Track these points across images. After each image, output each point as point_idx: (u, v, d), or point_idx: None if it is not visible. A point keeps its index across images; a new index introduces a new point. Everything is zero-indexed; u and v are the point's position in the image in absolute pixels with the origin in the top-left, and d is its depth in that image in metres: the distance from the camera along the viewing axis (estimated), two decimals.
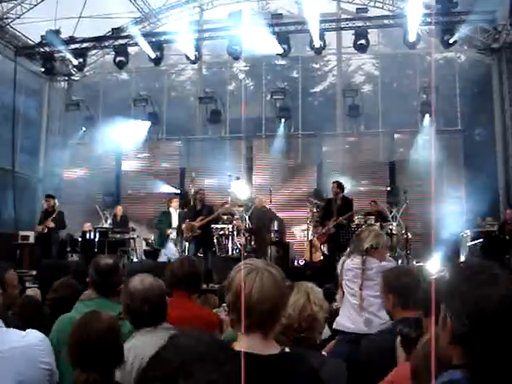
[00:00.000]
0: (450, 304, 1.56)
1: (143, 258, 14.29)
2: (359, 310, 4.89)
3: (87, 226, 14.67)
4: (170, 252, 12.14)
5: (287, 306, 2.36)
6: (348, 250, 5.43)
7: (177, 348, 1.25)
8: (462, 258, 12.92)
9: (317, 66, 19.13)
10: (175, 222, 12.42)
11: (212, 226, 12.64)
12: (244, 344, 2.20)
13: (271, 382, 2.15)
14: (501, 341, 1.44)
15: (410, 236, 13.32)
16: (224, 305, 4.75)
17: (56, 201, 13.15)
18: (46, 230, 12.55)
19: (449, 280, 1.60)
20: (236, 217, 13.71)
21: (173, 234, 12.41)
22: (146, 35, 16.45)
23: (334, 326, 4.85)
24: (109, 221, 15.97)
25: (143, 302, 3.15)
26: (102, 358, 2.60)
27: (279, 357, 2.24)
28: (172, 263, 4.39)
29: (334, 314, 5.00)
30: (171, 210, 12.77)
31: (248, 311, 2.20)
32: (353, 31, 15.49)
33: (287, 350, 2.34)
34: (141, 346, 2.92)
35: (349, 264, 5.20)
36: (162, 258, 12.13)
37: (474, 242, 13.08)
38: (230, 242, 13.41)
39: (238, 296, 2.22)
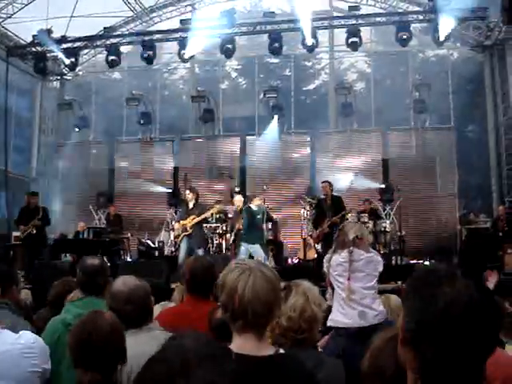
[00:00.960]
0: (404, 304, 1.57)
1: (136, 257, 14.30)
2: (348, 302, 4.90)
3: (82, 226, 14.65)
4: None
5: (281, 305, 2.36)
6: (333, 247, 5.44)
7: (176, 348, 1.25)
8: (455, 255, 12.96)
9: (309, 64, 19.14)
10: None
11: (205, 224, 12.64)
12: (237, 345, 2.21)
13: (266, 383, 2.14)
14: (444, 344, 1.43)
15: (403, 233, 13.36)
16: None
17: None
18: (34, 231, 12.37)
19: (407, 281, 1.61)
20: (230, 215, 13.70)
21: None
22: (138, 34, 16.43)
23: (328, 324, 4.84)
24: (102, 220, 15.98)
25: (126, 303, 3.13)
26: (106, 358, 2.58)
27: (273, 358, 2.24)
28: (190, 264, 4.34)
29: (326, 312, 5.01)
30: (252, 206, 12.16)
31: (241, 312, 2.20)
32: (345, 29, 15.49)
33: (281, 351, 2.34)
34: (127, 347, 2.90)
35: (337, 259, 5.21)
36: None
37: (467, 238, 13.13)
38: (224, 240, 13.40)
39: (231, 296, 2.22)
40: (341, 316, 4.90)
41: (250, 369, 2.11)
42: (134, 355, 2.71)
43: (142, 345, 2.78)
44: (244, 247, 10.86)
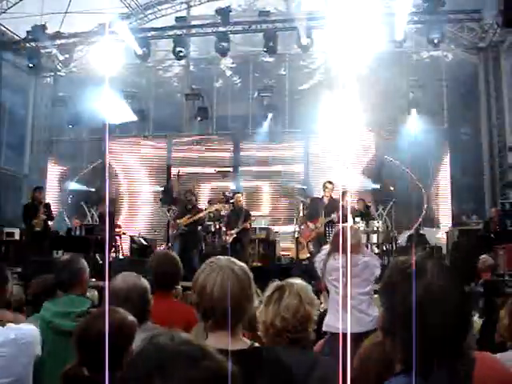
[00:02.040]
0: (382, 297, 1.62)
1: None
2: (346, 308, 4.88)
3: (77, 223, 14.62)
4: None
5: (253, 302, 2.37)
6: (327, 249, 5.40)
7: (154, 347, 1.25)
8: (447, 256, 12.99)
9: (304, 63, 19.12)
10: None
11: (199, 223, 12.64)
12: (211, 341, 2.23)
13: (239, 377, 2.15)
14: (418, 334, 1.46)
15: (395, 233, 13.39)
16: None
17: None
18: (41, 227, 12.40)
19: (383, 278, 1.64)
20: (222, 213, 13.69)
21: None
22: (132, 31, 16.37)
23: (323, 329, 4.82)
24: (95, 217, 15.94)
25: (124, 301, 3.11)
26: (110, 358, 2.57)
27: (248, 351, 2.26)
28: (150, 261, 4.42)
29: (321, 315, 5.00)
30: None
31: (211, 310, 2.24)
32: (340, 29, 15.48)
33: (256, 344, 2.36)
34: None
35: (333, 264, 5.18)
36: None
37: (459, 239, 13.16)
38: (217, 239, 13.40)
39: (201, 295, 2.26)
40: (336, 321, 4.87)
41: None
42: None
43: (136, 343, 2.77)
44: None
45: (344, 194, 12.04)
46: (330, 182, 12.09)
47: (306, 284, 3.18)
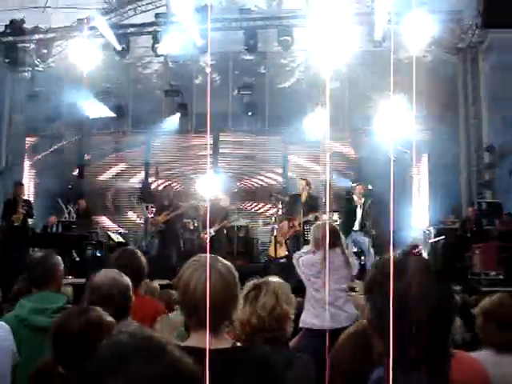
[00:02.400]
0: (367, 295, 1.65)
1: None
2: (322, 303, 4.88)
3: (53, 219, 14.48)
4: None
5: (238, 301, 2.36)
6: (306, 246, 5.40)
7: (113, 345, 1.24)
8: (425, 255, 13.08)
9: (285, 61, 19.11)
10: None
11: (178, 220, 12.59)
12: (193, 340, 2.24)
13: (220, 376, 2.15)
14: (404, 332, 1.49)
15: (373, 232, 13.43)
16: None
17: None
18: (19, 222, 12.25)
19: (367, 277, 1.66)
20: (201, 213, 13.66)
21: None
22: (112, 27, 16.26)
23: (300, 325, 4.82)
24: (72, 214, 15.79)
25: (105, 297, 3.11)
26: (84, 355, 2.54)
27: (229, 351, 2.25)
28: (111, 257, 4.41)
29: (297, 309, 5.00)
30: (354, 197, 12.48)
31: (194, 308, 2.23)
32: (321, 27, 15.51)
33: (238, 344, 2.35)
34: None
35: (311, 259, 5.18)
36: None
37: (436, 239, 13.25)
38: (196, 237, 13.37)
39: (185, 293, 2.25)
40: (312, 317, 4.87)
41: (204, 361, 2.13)
42: None
43: None
44: None
45: (308, 184, 12.07)
46: (303, 179, 12.14)
47: (284, 282, 3.18)
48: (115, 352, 1.20)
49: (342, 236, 5.40)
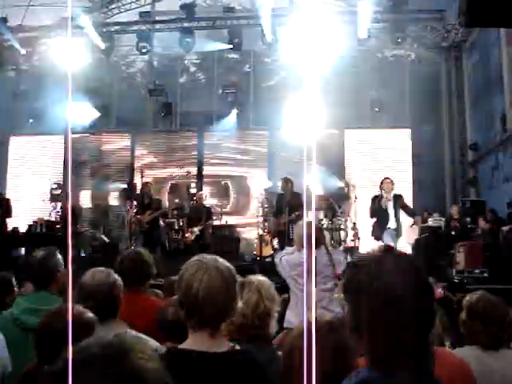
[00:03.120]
0: (345, 295, 1.63)
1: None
2: (308, 303, 4.87)
3: (41, 219, 14.39)
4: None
5: (237, 302, 2.36)
6: (288, 248, 5.38)
7: (77, 349, 1.21)
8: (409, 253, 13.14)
9: (269, 60, 19.11)
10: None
11: (161, 220, 12.55)
12: (192, 341, 2.21)
13: (218, 380, 2.15)
14: (383, 330, 1.49)
15: (357, 230, 13.48)
16: None
17: None
18: None
19: (346, 272, 1.66)
20: (186, 212, 13.64)
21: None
22: (96, 25, 16.18)
23: (284, 325, 4.80)
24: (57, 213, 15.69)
25: (89, 297, 3.10)
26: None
27: (227, 354, 2.24)
28: (117, 260, 4.37)
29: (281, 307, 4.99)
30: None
31: (195, 309, 2.21)
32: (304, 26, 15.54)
33: (237, 347, 2.34)
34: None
35: (295, 258, 5.16)
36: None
37: (420, 237, 13.30)
38: (180, 236, 13.34)
39: (187, 294, 2.23)
40: (296, 317, 4.86)
41: (203, 365, 2.15)
42: None
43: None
44: None
45: (287, 181, 12.05)
46: (286, 178, 12.14)
47: (267, 280, 3.18)
48: (76, 357, 1.18)
49: (327, 234, 5.41)
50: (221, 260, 2.36)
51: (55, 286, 3.82)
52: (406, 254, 1.59)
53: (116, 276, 3.32)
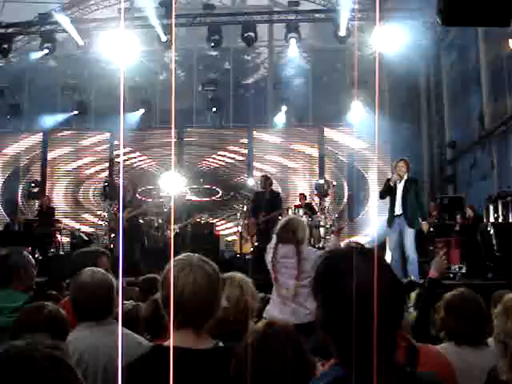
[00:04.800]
0: (313, 292, 1.63)
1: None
2: (283, 298, 4.89)
3: (21, 218, 14.28)
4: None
5: (221, 301, 2.36)
6: (275, 240, 5.37)
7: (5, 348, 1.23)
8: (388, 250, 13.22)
9: (248, 57, 19.12)
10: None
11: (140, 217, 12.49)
12: (176, 339, 2.20)
13: (203, 376, 2.15)
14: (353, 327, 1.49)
15: (338, 227, 13.54)
16: None
17: None
18: None
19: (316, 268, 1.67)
20: (165, 210, 13.59)
21: None
22: (74, 22, 16.05)
23: (263, 315, 4.83)
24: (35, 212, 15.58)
25: (90, 295, 3.09)
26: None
27: (211, 351, 2.25)
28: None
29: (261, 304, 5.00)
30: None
31: (180, 308, 2.20)
32: (284, 24, 15.56)
33: (221, 344, 2.34)
34: (81, 339, 2.91)
35: (282, 252, 5.16)
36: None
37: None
38: (159, 234, 13.29)
39: (170, 293, 2.21)
40: (274, 311, 4.90)
41: (187, 362, 2.15)
42: (89, 347, 2.88)
43: (96, 338, 2.88)
44: None
45: (267, 179, 12.04)
46: (265, 176, 12.13)
47: (247, 278, 3.18)
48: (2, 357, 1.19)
49: (306, 230, 5.40)
50: (206, 259, 2.36)
51: (18, 283, 3.80)
52: (374, 250, 1.58)
53: (111, 276, 3.30)
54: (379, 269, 1.53)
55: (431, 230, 12.64)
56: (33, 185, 16.52)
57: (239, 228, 13.25)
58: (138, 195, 12.72)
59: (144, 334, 3.75)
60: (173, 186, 14.60)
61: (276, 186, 12.28)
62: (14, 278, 3.79)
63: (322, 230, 13.19)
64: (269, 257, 5.19)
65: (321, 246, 12.55)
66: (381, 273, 1.52)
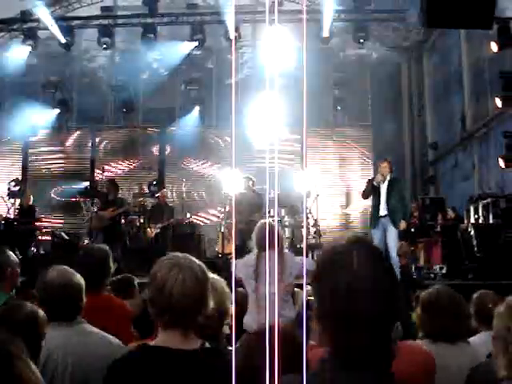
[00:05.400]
0: (312, 286, 1.63)
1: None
2: (261, 307, 4.80)
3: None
4: None
5: (209, 301, 2.35)
6: (256, 248, 5.28)
7: None
8: None
9: (232, 57, 19.09)
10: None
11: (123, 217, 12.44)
12: (162, 339, 2.22)
13: (189, 377, 2.15)
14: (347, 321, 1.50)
15: (320, 228, 13.58)
16: None
17: None
18: None
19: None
20: (148, 209, 13.55)
21: None
22: (56, 19, 15.93)
23: (243, 326, 4.76)
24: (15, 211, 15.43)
25: (56, 294, 3.05)
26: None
27: (198, 352, 2.24)
28: (77, 256, 4.30)
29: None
30: None
31: (168, 308, 2.20)
32: (268, 24, 15.56)
33: (207, 345, 2.33)
34: (49, 340, 2.81)
35: (250, 260, 5.08)
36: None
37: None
38: (141, 234, 13.24)
39: (160, 292, 2.21)
40: (252, 320, 4.82)
41: (173, 362, 2.16)
42: (57, 347, 2.85)
43: (64, 338, 2.85)
44: None
45: (249, 180, 12.01)
46: (247, 177, 12.10)
47: (221, 279, 3.15)
48: None
49: (283, 235, 5.35)
50: (193, 259, 2.35)
51: (5, 283, 3.76)
52: (374, 245, 1.59)
53: (79, 276, 3.26)
54: (376, 262, 1.55)
55: (412, 230, 12.73)
56: (13, 183, 16.36)
57: (222, 228, 13.22)
58: (119, 194, 12.62)
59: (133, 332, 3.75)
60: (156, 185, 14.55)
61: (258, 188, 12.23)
62: (1, 277, 3.75)
63: (304, 230, 13.20)
64: (249, 270, 5.06)
65: (303, 246, 12.57)
66: (378, 266, 1.54)
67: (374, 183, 9.35)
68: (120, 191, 12.23)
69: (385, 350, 1.55)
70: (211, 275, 3.13)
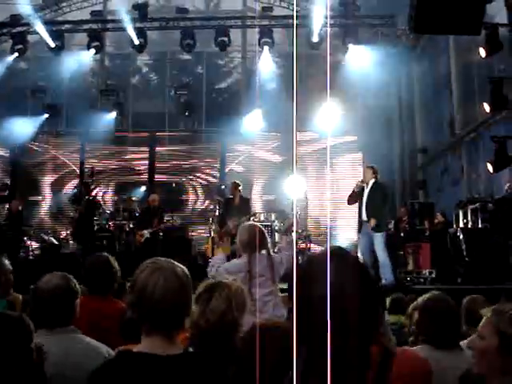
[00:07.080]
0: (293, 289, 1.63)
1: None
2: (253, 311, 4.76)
3: None
4: None
5: (191, 306, 2.33)
6: (249, 250, 5.21)
7: None
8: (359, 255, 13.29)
9: (222, 62, 19.11)
10: None
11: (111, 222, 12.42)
12: (145, 344, 2.19)
13: (171, 382, 2.12)
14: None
15: (308, 232, 13.61)
16: None
17: None
18: None
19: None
20: (135, 214, 13.51)
21: None
22: (46, 23, 15.90)
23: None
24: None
25: (45, 302, 3.02)
26: (10, 360, 2.46)
27: (181, 357, 2.20)
28: (84, 263, 4.29)
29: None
30: None
31: (150, 312, 2.18)
32: (258, 29, 15.60)
33: (190, 349, 2.31)
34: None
35: (237, 265, 5.01)
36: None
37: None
38: (131, 238, 13.19)
39: (141, 296, 2.19)
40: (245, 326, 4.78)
41: (155, 368, 2.12)
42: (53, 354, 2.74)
43: (48, 346, 2.72)
44: None
45: (236, 186, 12.04)
46: (234, 182, 12.14)
47: (241, 286, 3.07)
48: None
49: (268, 237, 5.32)
50: (176, 263, 2.33)
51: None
52: (354, 255, 1.59)
53: (74, 281, 3.23)
54: (354, 270, 1.55)
55: (401, 234, 12.77)
56: (3, 188, 16.30)
57: (211, 232, 13.21)
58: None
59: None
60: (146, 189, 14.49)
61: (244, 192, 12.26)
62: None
63: (293, 234, 13.20)
64: (242, 273, 4.98)
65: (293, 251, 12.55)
66: (356, 274, 1.54)
67: (355, 189, 9.66)
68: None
69: (363, 356, 1.55)
70: (229, 282, 3.07)
